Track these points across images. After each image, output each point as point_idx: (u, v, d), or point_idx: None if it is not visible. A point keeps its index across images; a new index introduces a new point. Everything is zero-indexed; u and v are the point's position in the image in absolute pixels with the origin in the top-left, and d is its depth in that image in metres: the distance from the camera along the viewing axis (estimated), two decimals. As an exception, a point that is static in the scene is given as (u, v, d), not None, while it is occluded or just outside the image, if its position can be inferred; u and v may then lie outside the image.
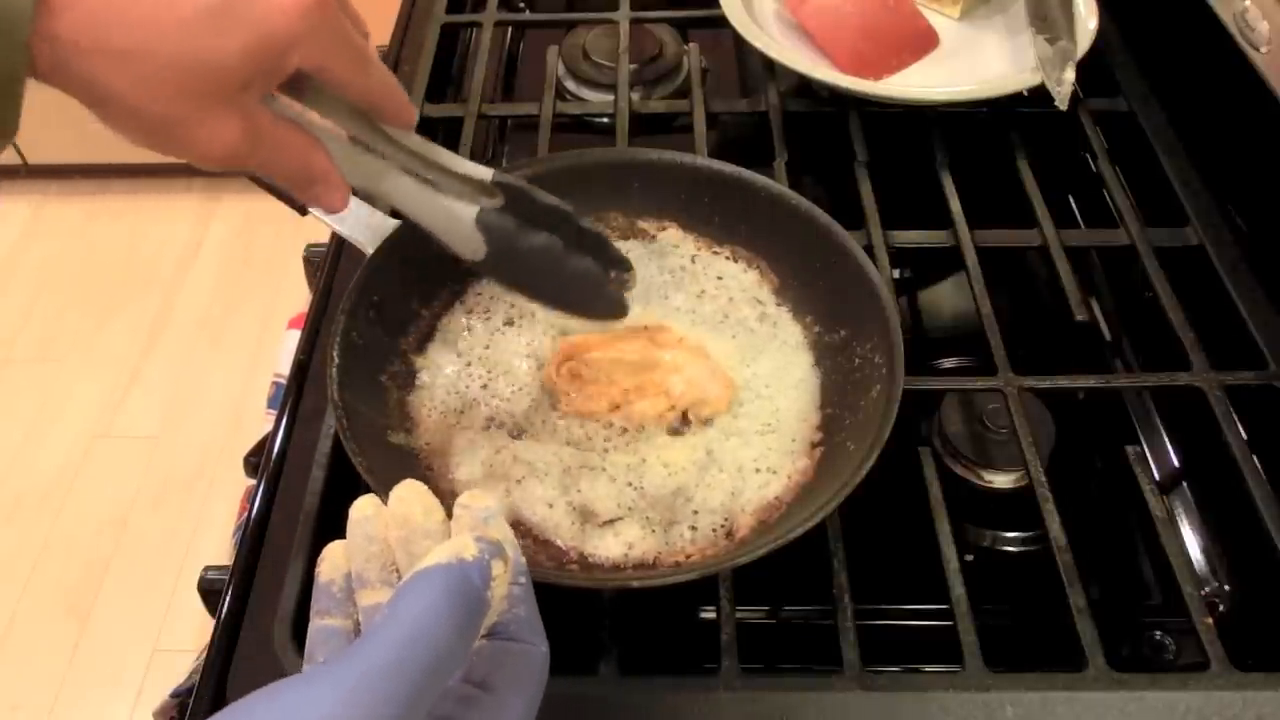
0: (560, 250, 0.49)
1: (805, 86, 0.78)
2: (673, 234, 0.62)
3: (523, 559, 0.34)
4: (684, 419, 0.54)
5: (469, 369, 0.57)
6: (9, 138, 0.38)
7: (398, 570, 0.35)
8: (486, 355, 0.57)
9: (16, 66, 0.34)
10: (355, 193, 0.44)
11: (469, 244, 0.48)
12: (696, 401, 0.54)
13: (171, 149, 0.38)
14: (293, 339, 0.79)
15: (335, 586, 0.35)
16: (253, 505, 0.54)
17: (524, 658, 0.31)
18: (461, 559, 0.30)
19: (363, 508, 0.35)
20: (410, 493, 0.34)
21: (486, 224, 0.48)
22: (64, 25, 0.34)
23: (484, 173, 0.48)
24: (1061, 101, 0.69)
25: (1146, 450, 0.60)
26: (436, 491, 0.51)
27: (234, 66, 0.36)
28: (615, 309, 0.52)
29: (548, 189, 0.57)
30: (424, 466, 0.53)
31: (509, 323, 0.59)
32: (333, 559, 0.35)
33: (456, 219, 0.47)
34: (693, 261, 0.62)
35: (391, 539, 0.34)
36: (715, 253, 0.62)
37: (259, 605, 0.50)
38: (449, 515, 0.35)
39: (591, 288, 0.51)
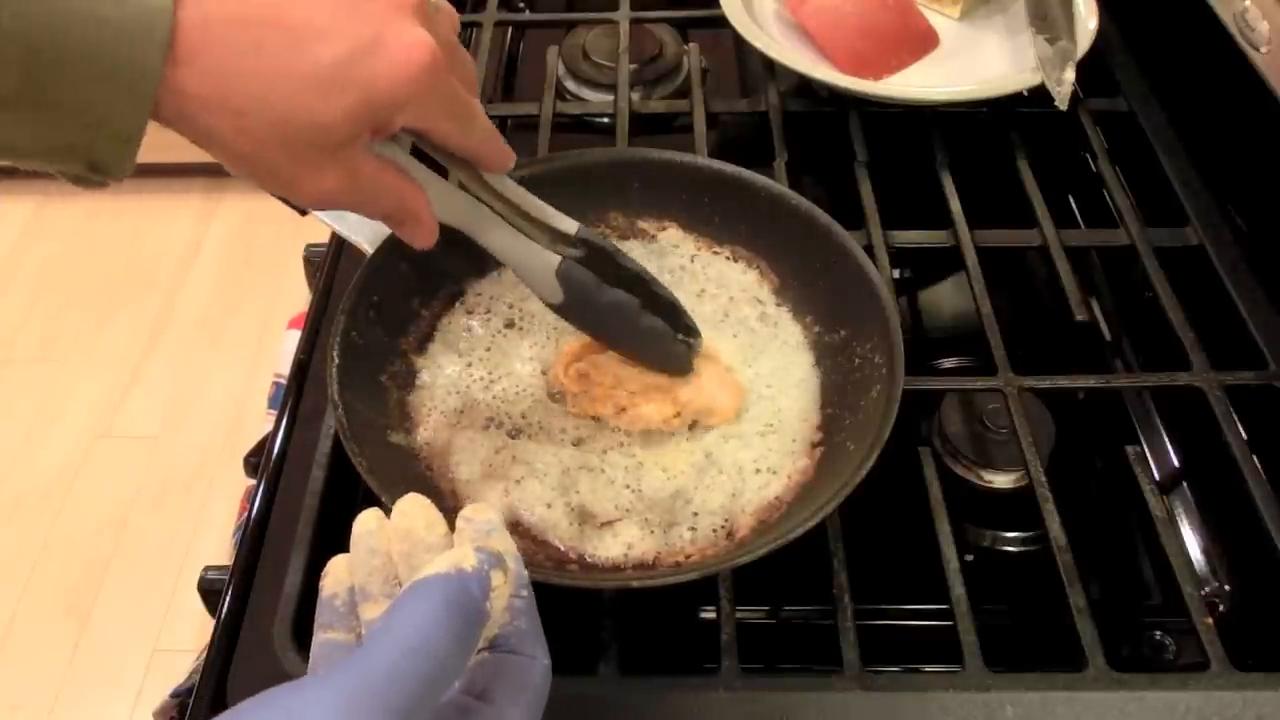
0: (635, 309, 0.52)
1: (805, 86, 0.78)
2: (673, 234, 0.62)
3: (525, 572, 0.34)
4: (690, 426, 0.54)
5: (469, 369, 0.57)
6: (118, 179, 0.40)
7: (400, 584, 0.35)
8: (487, 356, 0.57)
9: (141, 119, 0.35)
10: (443, 229, 0.47)
11: (548, 289, 0.50)
12: (703, 409, 0.53)
13: (276, 190, 0.41)
14: (293, 339, 0.79)
15: (338, 600, 0.35)
16: (253, 505, 0.54)
17: (524, 670, 0.31)
18: (461, 569, 0.30)
19: (366, 521, 0.35)
20: (413, 506, 0.34)
21: (567, 275, 0.50)
22: (190, 79, 0.35)
23: (570, 226, 0.51)
24: (1061, 101, 0.69)
25: (1146, 450, 0.60)
26: (436, 490, 0.51)
27: (339, 127, 0.38)
28: (682, 365, 0.54)
29: (548, 189, 0.57)
30: (424, 466, 0.53)
31: (509, 324, 0.59)
32: (335, 573, 0.35)
33: (539, 266, 0.50)
34: (692, 261, 0.62)
35: (394, 553, 0.34)
36: (715, 252, 0.62)
37: (259, 605, 0.50)
38: (452, 528, 0.35)
39: (660, 344, 0.53)
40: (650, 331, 0.52)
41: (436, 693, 0.28)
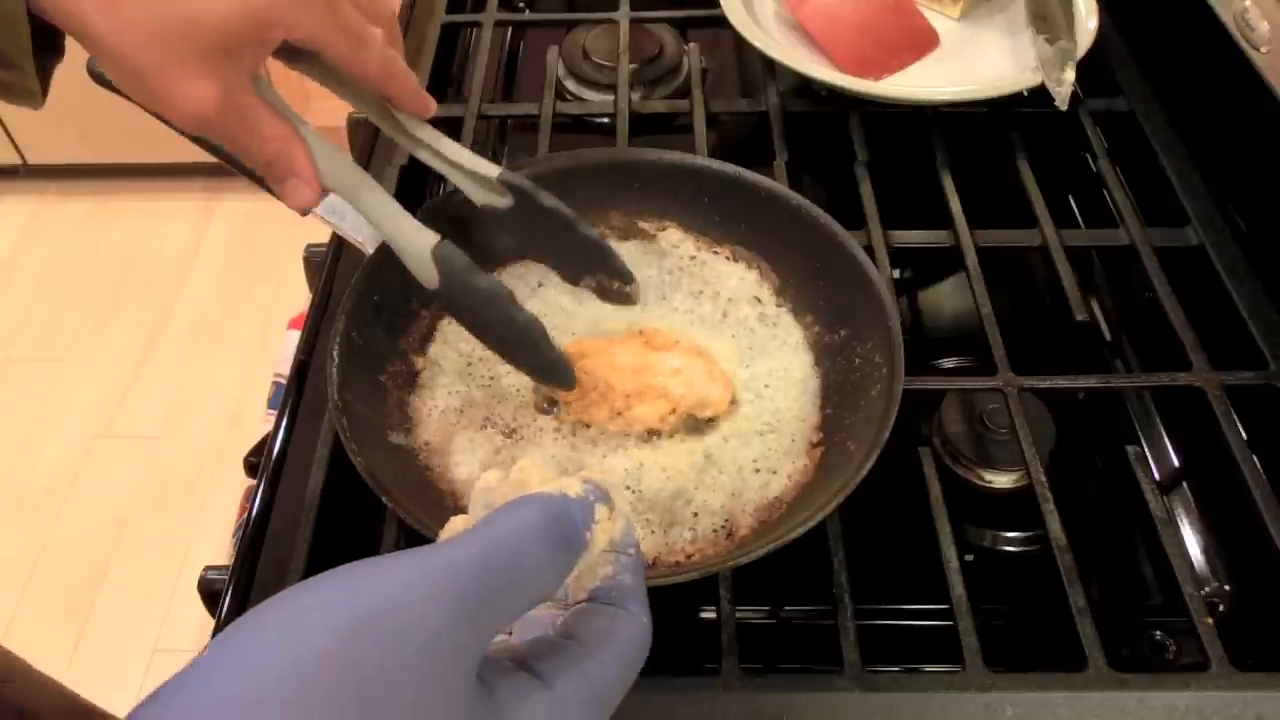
0: (504, 297, 0.49)
1: (805, 86, 0.78)
2: (673, 234, 0.62)
3: (635, 532, 0.33)
4: (686, 422, 0.53)
5: (469, 369, 0.57)
6: (32, 93, 0.39)
7: None
8: (487, 355, 0.57)
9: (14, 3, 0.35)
10: (325, 193, 0.46)
11: (424, 271, 0.48)
12: (697, 403, 0.53)
13: (149, 101, 0.39)
14: (293, 339, 0.79)
15: None
16: (253, 505, 0.54)
17: (622, 621, 0.31)
18: (564, 493, 0.30)
19: (487, 478, 0.35)
20: (531, 464, 0.34)
21: (441, 256, 0.48)
22: None
23: (490, 169, 0.50)
24: (1061, 101, 0.69)
25: (1146, 450, 0.60)
26: (435, 491, 0.51)
27: (216, 27, 0.37)
28: (561, 373, 0.51)
29: (548, 189, 0.57)
30: (424, 466, 0.53)
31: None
32: (452, 529, 0.34)
33: (416, 244, 0.48)
34: (692, 261, 0.62)
35: None
36: (715, 252, 0.62)
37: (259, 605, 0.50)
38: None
39: (533, 342, 0.50)
40: (522, 326, 0.49)
41: (520, 598, 0.28)
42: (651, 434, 0.53)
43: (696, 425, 0.54)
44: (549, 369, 0.51)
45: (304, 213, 0.52)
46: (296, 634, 0.24)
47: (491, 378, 0.56)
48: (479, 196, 0.52)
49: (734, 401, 0.55)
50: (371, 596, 0.25)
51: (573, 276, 0.56)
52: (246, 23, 0.38)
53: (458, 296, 0.49)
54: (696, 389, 0.53)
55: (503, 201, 0.51)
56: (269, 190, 0.56)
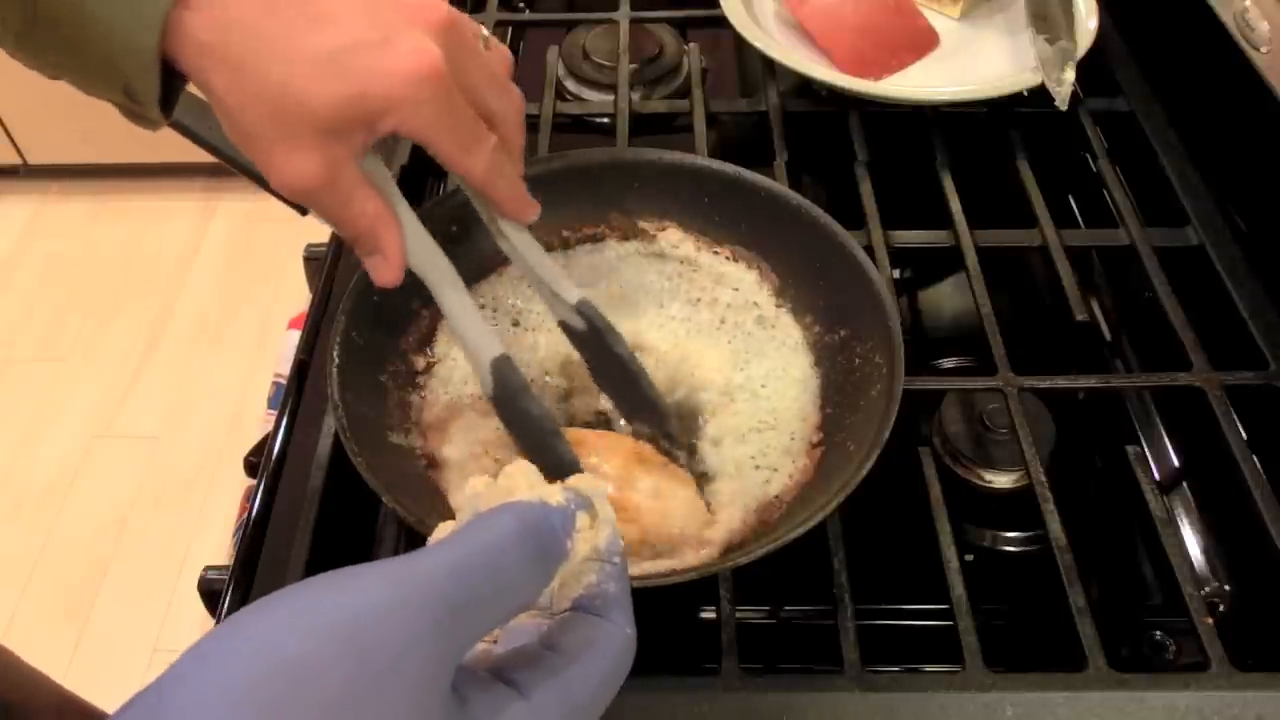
0: (549, 429, 0.49)
1: (805, 86, 0.78)
2: (672, 234, 0.62)
3: (620, 540, 0.33)
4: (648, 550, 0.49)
5: (470, 369, 0.57)
6: (153, 122, 0.42)
7: None
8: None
9: (150, 44, 0.38)
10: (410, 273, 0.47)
11: (483, 375, 0.49)
12: (665, 539, 0.49)
13: (257, 164, 0.41)
14: (293, 339, 0.79)
15: None
16: (253, 505, 0.54)
17: (604, 632, 0.30)
18: (544, 501, 0.30)
19: (475, 484, 0.35)
20: (519, 470, 0.34)
21: (498, 371, 0.48)
22: (196, 22, 0.38)
23: (572, 295, 0.51)
24: (1061, 101, 0.69)
25: (1146, 450, 0.60)
26: (435, 491, 0.51)
27: (325, 112, 0.39)
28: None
29: (548, 189, 0.57)
30: (424, 466, 0.53)
31: (515, 323, 0.59)
32: (441, 534, 0.35)
33: (482, 349, 0.48)
34: (691, 263, 0.62)
35: None
36: (715, 253, 0.62)
37: (257, 605, 0.50)
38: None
39: (561, 475, 0.49)
40: (559, 461, 0.48)
41: (497, 607, 0.27)
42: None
43: (691, 426, 0.54)
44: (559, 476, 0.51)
45: (304, 212, 0.53)
46: (266, 644, 0.23)
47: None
48: (558, 312, 0.53)
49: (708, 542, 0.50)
50: (342, 604, 0.25)
51: (627, 415, 0.54)
52: (358, 112, 0.40)
53: (506, 411, 0.49)
54: (669, 521, 0.49)
55: (578, 324, 0.52)
56: (271, 192, 0.56)
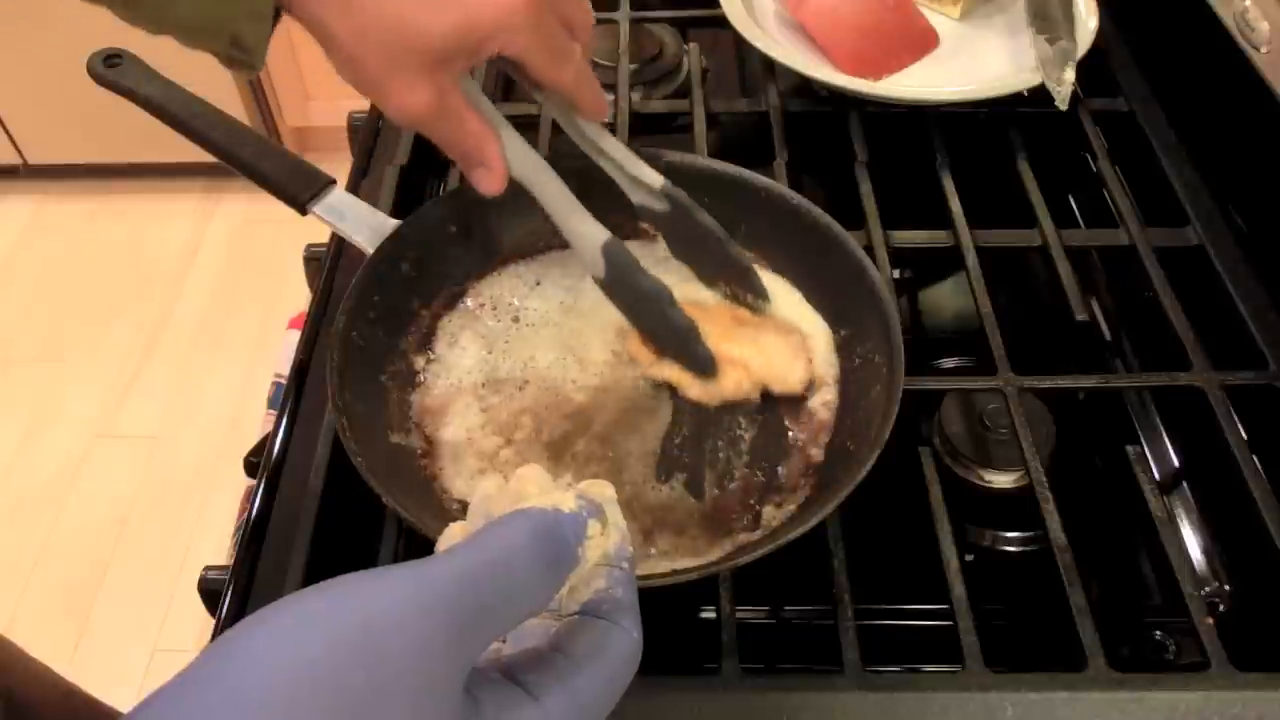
0: (666, 298, 0.53)
1: (805, 86, 0.78)
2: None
3: (629, 546, 0.33)
4: (763, 395, 0.54)
5: (470, 369, 0.57)
6: (254, 68, 0.45)
7: None
8: (488, 356, 0.57)
9: None
10: (512, 182, 0.51)
11: (593, 262, 0.53)
12: (775, 379, 0.54)
13: (371, 97, 0.45)
14: (293, 339, 0.78)
15: None
16: (253, 505, 0.54)
17: (612, 636, 0.31)
18: (556, 508, 0.30)
19: (485, 487, 0.35)
20: (530, 473, 0.34)
21: (610, 253, 0.53)
22: None
23: (656, 180, 0.56)
24: (1061, 101, 0.69)
25: (1146, 450, 0.60)
26: (435, 491, 0.51)
27: (437, 43, 0.43)
28: (706, 365, 0.54)
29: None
30: (423, 467, 0.53)
31: (515, 320, 0.59)
32: (450, 536, 0.34)
33: (588, 237, 0.53)
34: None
35: None
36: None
37: (259, 605, 0.50)
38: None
39: (685, 342, 0.54)
40: (677, 326, 0.53)
41: (509, 613, 0.28)
42: (636, 464, 0.53)
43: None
44: (695, 361, 0.54)
45: (303, 212, 0.54)
46: (286, 646, 0.24)
47: (492, 378, 0.56)
48: (636, 197, 0.57)
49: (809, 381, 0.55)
50: (360, 610, 0.25)
51: (709, 281, 0.59)
52: (465, 39, 0.43)
53: (620, 291, 0.54)
54: (776, 365, 0.54)
55: (660, 206, 0.56)
56: (273, 193, 0.57)
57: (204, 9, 0.42)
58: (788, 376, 0.54)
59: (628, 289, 0.54)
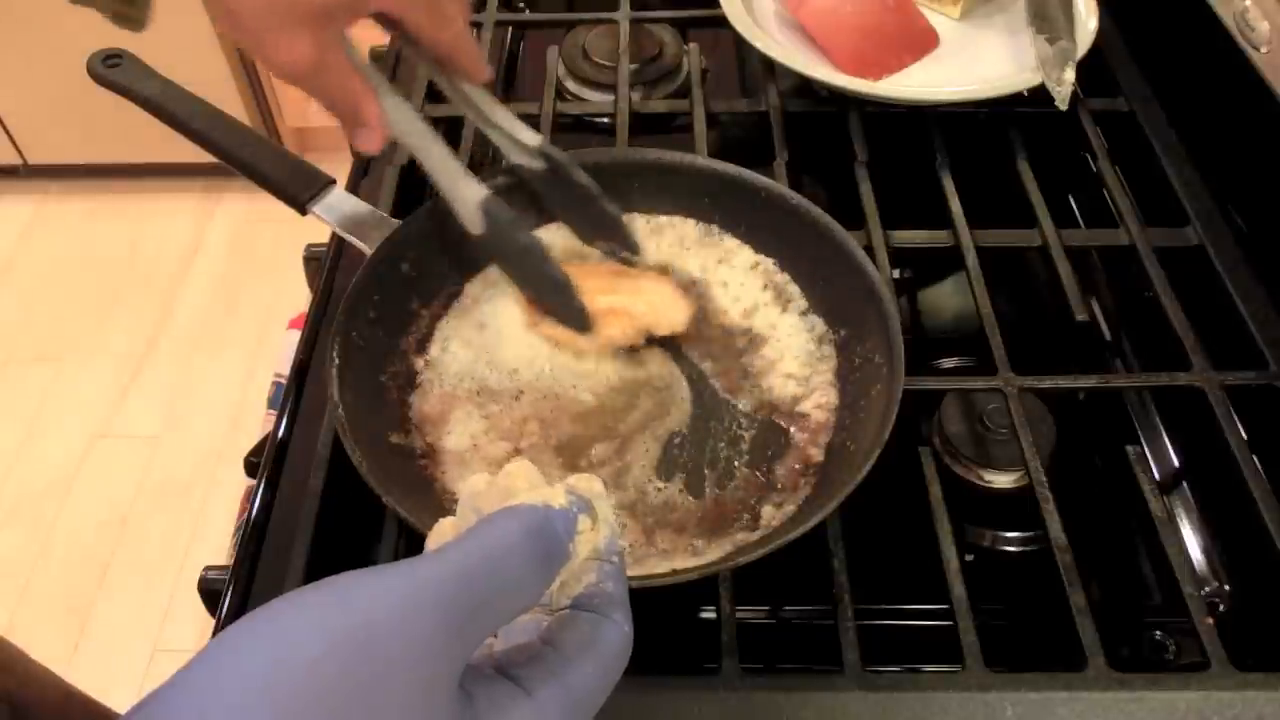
0: (541, 253, 0.56)
1: (805, 86, 0.78)
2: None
3: (620, 541, 0.34)
4: (648, 339, 0.57)
5: (470, 370, 0.57)
6: (140, 24, 0.46)
7: None
8: (488, 356, 0.57)
9: None
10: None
11: (472, 219, 0.55)
12: (659, 320, 0.56)
13: (251, 52, 0.45)
14: (293, 339, 0.78)
15: None
16: (253, 505, 0.54)
17: (602, 629, 0.31)
18: (547, 504, 0.30)
19: (474, 483, 0.35)
20: (518, 469, 0.34)
21: (488, 209, 0.54)
22: None
23: (534, 139, 0.57)
24: (1061, 101, 0.69)
25: (1146, 450, 0.60)
26: (434, 490, 0.51)
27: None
28: (581, 319, 0.56)
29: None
30: (423, 468, 0.53)
31: (512, 322, 0.59)
32: (440, 532, 0.35)
33: (467, 195, 0.54)
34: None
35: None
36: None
37: (259, 605, 0.50)
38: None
39: (562, 295, 0.56)
40: (554, 280, 0.55)
41: (502, 609, 0.28)
42: (638, 467, 0.53)
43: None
44: (573, 316, 0.56)
45: (303, 212, 0.54)
46: (281, 645, 0.24)
47: (492, 378, 0.56)
48: (515, 157, 0.58)
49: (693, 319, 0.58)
50: (355, 608, 0.25)
51: (587, 238, 0.61)
52: None
53: (499, 246, 0.56)
54: (658, 308, 0.56)
55: (538, 165, 0.58)
56: (273, 193, 0.57)
57: None
58: (672, 317, 0.57)
59: (505, 245, 0.56)
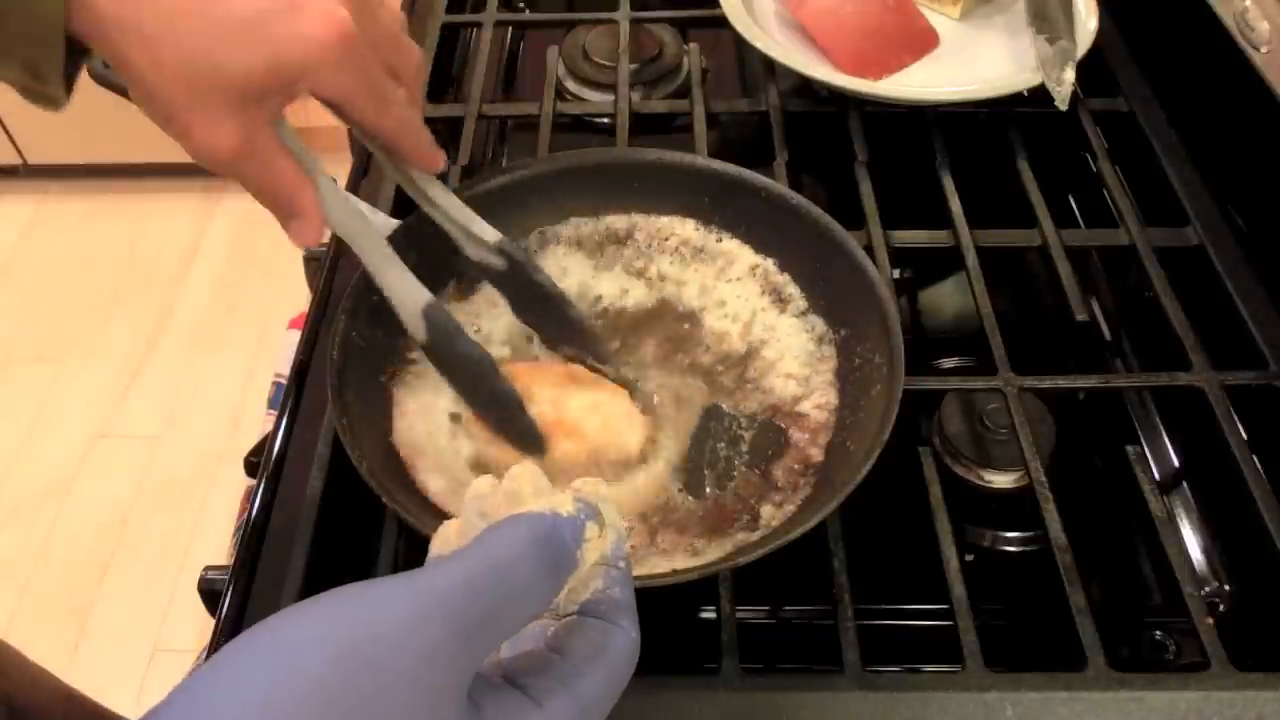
0: (488, 368, 0.51)
1: (805, 86, 0.78)
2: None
3: (626, 545, 0.34)
4: (595, 467, 0.51)
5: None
6: (56, 103, 0.41)
7: None
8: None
9: (55, 20, 0.37)
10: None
11: (414, 324, 0.50)
12: (611, 445, 0.51)
13: (174, 135, 0.41)
14: (293, 339, 0.79)
15: None
16: (253, 505, 0.54)
17: (610, 636, 0.31)
18: (555, 511, 0.30)
19: (479, 486, 0.35)
20: (523, 472, 0.34)
21: (430, 317, 0.50)
22: None
23: (492, 235, 0.53)
24: (1061, 101, 0.69)
25: (1146, 450, 0.60)
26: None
27: (243, 80, 0.39)
28: (531, 443, 0.51)
29: (548, 188, 0.57)
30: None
31: (513, 322, 0.59)
32: (444, 535, 0.34)
33: (410, 299, 0.50)
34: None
35: (501, 516, 0.34)
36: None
37: (259, 605, 0.50)
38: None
39: (508, 413, 0.51)
40: (500, 396, 0.51)
41: (511, 619, 0.28)
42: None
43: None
44: (521, 436, 0.51)
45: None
46: (286, 658, 0.24)
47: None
48: (474, 253, 0.54)
49: (648, 446, 0.53)
50: (361, 621, 0.25)
51: (552, 341, 0.57)
52: (273, 78, 0.40)
53: (442, 355, 0.51)
54: (611, 429, 0.51)
55: (497, 263, 0.54)
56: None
57: None
58: (623, 441, 0.51)
59: (448, 355, 0.51)
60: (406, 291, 0.50)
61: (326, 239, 0.47)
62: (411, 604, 0.26)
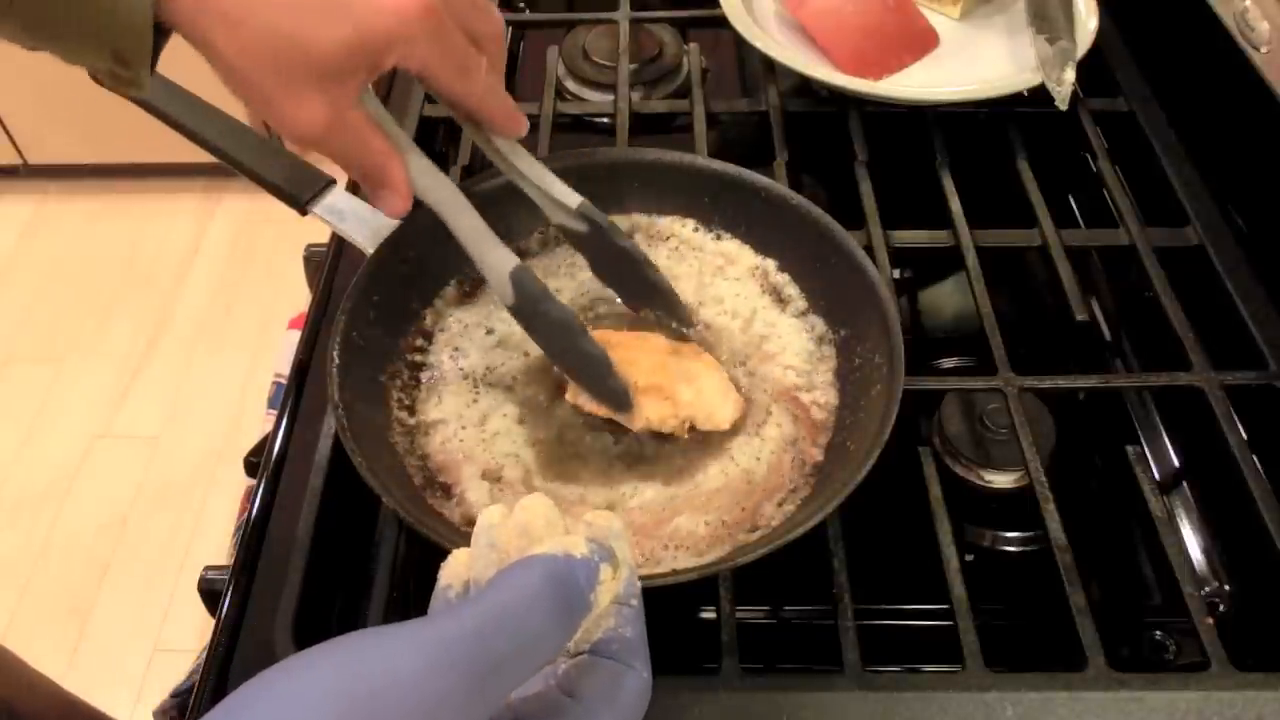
0: (576, 328, 0.51)
1: (805, 86, 0.78)
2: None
3: (638, 583, 0.33)
4: (688, 429, 0.53)
5: (470, 370, 0.57)
6: (140, 88, 0.41)
7: None
8: (488, 356, 0.57)
9: (143, 9, 0.37)
10: (418, 205, 0.49)
11: (501, 288, 0.51)
12: (703, 416, 0.52)
13: (263, 115, 0.41)
14: (293, 339, 0.79)
15: (452, 592, 0.34)
16: (253, 505, 0.54)
17: (621, 677, 0.31)
18: (568, 553, 0.30)
19: (490, 515, 0.34)
20: (535, 503, 0.34)
21: (518, 280, 0.50)
22: None
23: (572, 199, 0.54)
24: (1061, 101, 0.69)
25: (1146, 450, 0.60)
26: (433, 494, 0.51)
27: (329, 56, 0.40)
28: (619, 400, 0.51)
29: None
30: (419, 458, 0.53)
31: (512, 324, 0.59)
32: (454, 565, 0.34)
33: (497, 263, 0.50)
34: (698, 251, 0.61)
35: (511, 549, 0.34)
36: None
37: (259, 605, 0.50)
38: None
39: (597, 373, 0.51)
40: (589, 357, 0.51)
41: (525, 665, 0.28)
42: (654, 448, 0.53)
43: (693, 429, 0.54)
44: (609, 396, 0.52)
45: (304, 212, 0.53)
46: (293, 711, 0.23)
47: (491, 379, 0.56)
48: (556, 217, 0.55)
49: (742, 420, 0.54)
50: (370, 671, 0.25)
51: (635, 305, 0.59)
52: (358, 52, 0.40)
53: (529, 318, 0.52)
54: (705, 401, 0.53)
55: (579, 226, 0.55)
56: (273, 193, 0.56)
57: (73, 15, 0.38)
58: (716, 413, 0.52)
59: (536, 317, 0.51)
60: (495, 257, 0.50)
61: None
62: (421, 655, 0.25)
